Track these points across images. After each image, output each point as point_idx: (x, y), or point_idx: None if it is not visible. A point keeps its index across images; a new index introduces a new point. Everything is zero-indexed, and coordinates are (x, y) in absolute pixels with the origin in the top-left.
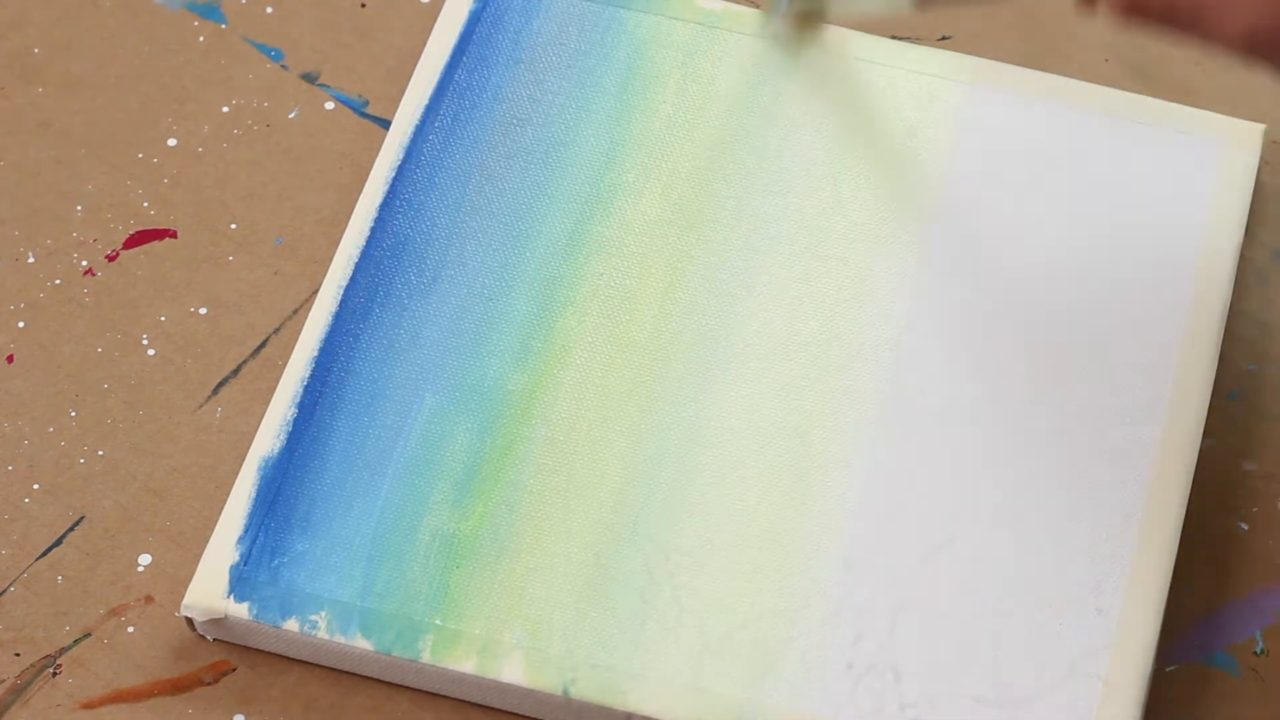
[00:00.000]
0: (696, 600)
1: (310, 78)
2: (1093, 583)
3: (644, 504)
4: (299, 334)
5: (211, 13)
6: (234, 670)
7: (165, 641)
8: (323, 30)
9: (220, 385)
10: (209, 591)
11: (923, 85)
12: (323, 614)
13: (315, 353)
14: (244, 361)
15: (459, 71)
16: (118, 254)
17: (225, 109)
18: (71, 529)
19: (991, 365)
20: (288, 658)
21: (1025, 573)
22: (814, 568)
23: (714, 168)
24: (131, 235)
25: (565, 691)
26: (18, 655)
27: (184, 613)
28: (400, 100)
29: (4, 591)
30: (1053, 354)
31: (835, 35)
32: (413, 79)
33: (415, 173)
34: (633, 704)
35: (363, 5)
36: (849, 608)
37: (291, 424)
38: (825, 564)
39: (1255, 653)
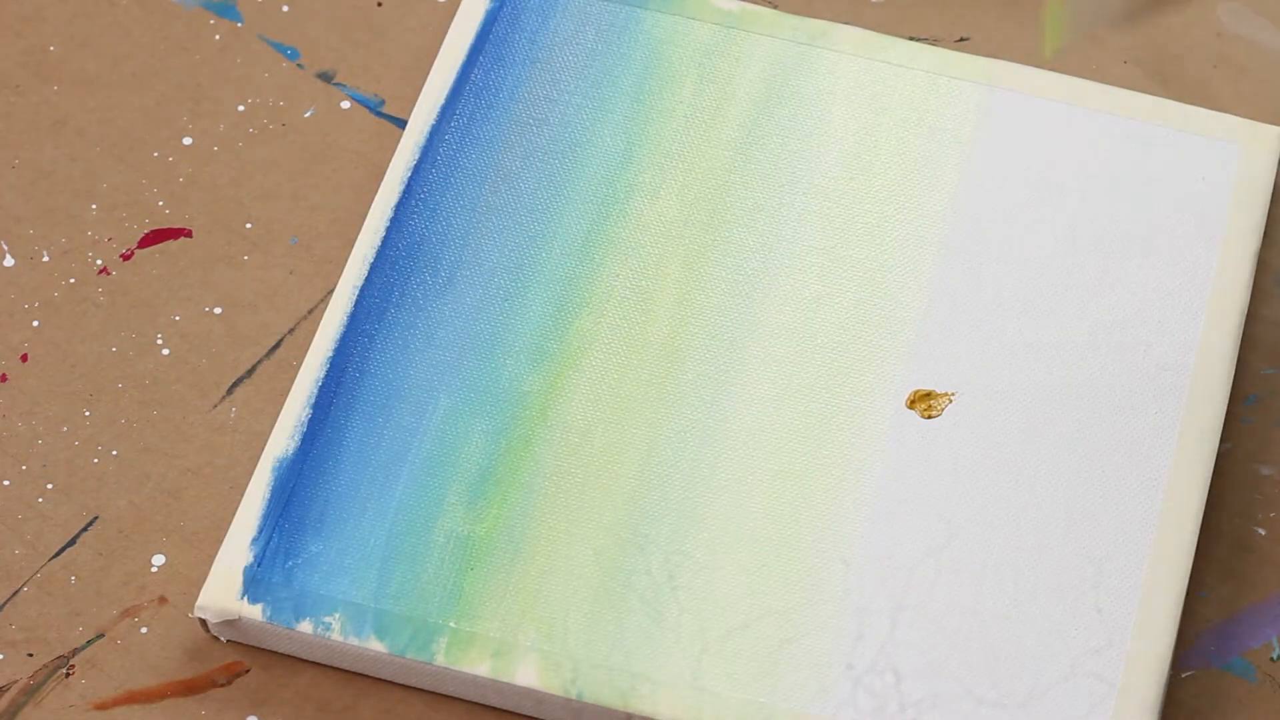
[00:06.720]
0: (700, 601)
1: (326, 77)
2: (1093, 581)
3: (657, 506)
4: (314, 334)
5: (227, 11)
6: (247, 671)
7: (178, 642)
8: (339, 29)
9: (235, 385)
10: (223, 593)
11: (941, 87)
12: (336, 616)
13: (330, 353)
14: (258, 362)
15: (475, 71)
16: (132, 253)
17: (241, 108)
18: (85, 529)
19: (1006, 367)
20: (301, 659)
21: (1025, 573)
22: (815, 568)
23: (730, 169)
24: (146, 234)
25: (579, 695)
26: (31, 655)
27: (197, 614)
28: (416, 100)
29: (17, 591)
30: (1068, 357)
31: (852, 36)
32: (429, 78)
33: (431, 172)
34: (633, 705)
35: (379, 4)
36: (849, 608)
37: (306, 425)
38: (826, 564)
39: (1272, 658)
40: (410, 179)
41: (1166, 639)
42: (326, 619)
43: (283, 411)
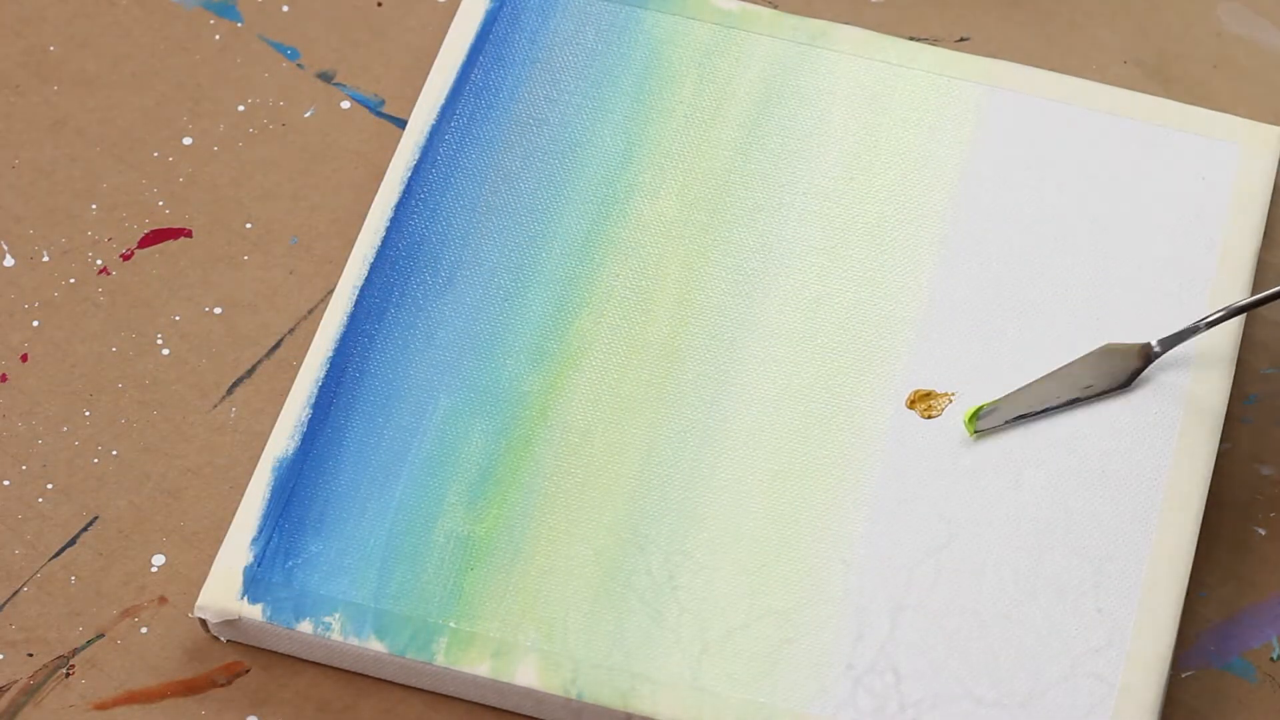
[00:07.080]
0: (700, 601)
1: (326, 77)
2: (1093, 581)
3: (658, 506)
4: (314, 334)
5: (227, 11)
6: (247, 671)
7: (178, 642)
8: (339, 29)
9: (235, 385)
10: (222, 593)
11: (941, 87)
12: (336, 616)
13: (330, 353)
14: (258, 362)
15: (475, 71)
16: (132, 253)
17: (241, 108)
18: (85, 529)
19: (1007, 368)
20: (301, 659)
21: (1025, 573)
22: (815, 568)
23: (730, 169)
24: (146, 234)
25: (579, 695)
26: (31, 655)
27: (197, 614)
28: (416, 99)
29: (17, 591)
30: (1068, 358)
31: (852, 36)
32: (429, 78)
33: (431, 173)
34: (633, 705)
35: (379, 4)
36: (849, 608)
37: (306, 425)
38: (826, 564)
39: (1272, 658)
40: (410, 179)
41: (1166, 639)
42: (326, 619)
43: (283, 411)
